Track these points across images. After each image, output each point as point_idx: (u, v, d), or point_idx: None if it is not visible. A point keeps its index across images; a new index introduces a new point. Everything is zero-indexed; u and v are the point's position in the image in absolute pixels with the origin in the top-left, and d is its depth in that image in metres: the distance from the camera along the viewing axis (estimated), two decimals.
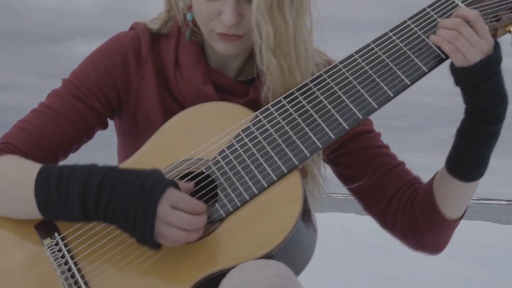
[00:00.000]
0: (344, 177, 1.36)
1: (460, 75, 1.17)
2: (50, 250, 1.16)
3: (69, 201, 1.11)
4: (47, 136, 1.27)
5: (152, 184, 1.08)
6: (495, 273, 5.30)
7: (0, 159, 1.22)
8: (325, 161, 1.35)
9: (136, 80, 1.32)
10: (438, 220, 1.28)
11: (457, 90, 1.20)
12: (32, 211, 1.15)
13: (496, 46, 1.18)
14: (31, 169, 1.17)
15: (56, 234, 1.17)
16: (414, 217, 1.30)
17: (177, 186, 1.11)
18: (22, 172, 1.18)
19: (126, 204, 1.08)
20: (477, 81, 1.16)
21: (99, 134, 1.38)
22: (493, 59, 1.16)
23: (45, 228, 1.19)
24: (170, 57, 1.31)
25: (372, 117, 1.27)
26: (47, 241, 1.17)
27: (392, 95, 1.19)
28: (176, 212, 1.08)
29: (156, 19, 1.35)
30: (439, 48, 1.20)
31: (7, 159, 1.22)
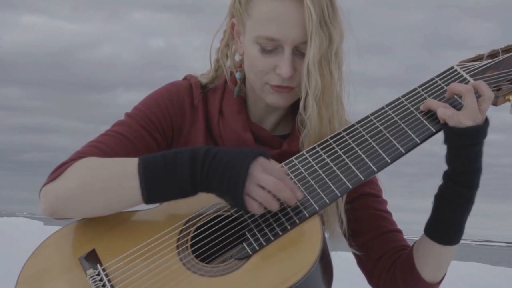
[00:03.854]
0: (345, 229, 1.43)
1: (451, 134, 1.28)
2: (93, 279, 1.24)
3: (179, 164, 1.21)
4: (119, 156, 1.32)
5: (248, 151, 1.23)
6: None
7: (86, 158, 1.30)
8: None
9: (189, 123, 1.43)
10: (415, 280, 1.36)
11: None
12: (130, 195, 1.24)
13: (486, 122, 1.29)
14: (126, 159, 1.27)
15: (98, 265, 1.26)
16: (395, 277, 1.39)
17: (268, 158, 1.25)
18: (119, 160, 1.28)
19: (226, 163, 1.20)
20: (464, 143, 1.26)
21: None
22: (482, 129, 1.27)
23: (88, 260, 1.28)
24: (215, 107, 1.43)
25: None
26: (90, 271, 1.25)
27: (403, 151, 1.31)
28: (266, 175, 1.21)
29: (204, 75, 1.47)
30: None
31: (94, 157, 1.31)
